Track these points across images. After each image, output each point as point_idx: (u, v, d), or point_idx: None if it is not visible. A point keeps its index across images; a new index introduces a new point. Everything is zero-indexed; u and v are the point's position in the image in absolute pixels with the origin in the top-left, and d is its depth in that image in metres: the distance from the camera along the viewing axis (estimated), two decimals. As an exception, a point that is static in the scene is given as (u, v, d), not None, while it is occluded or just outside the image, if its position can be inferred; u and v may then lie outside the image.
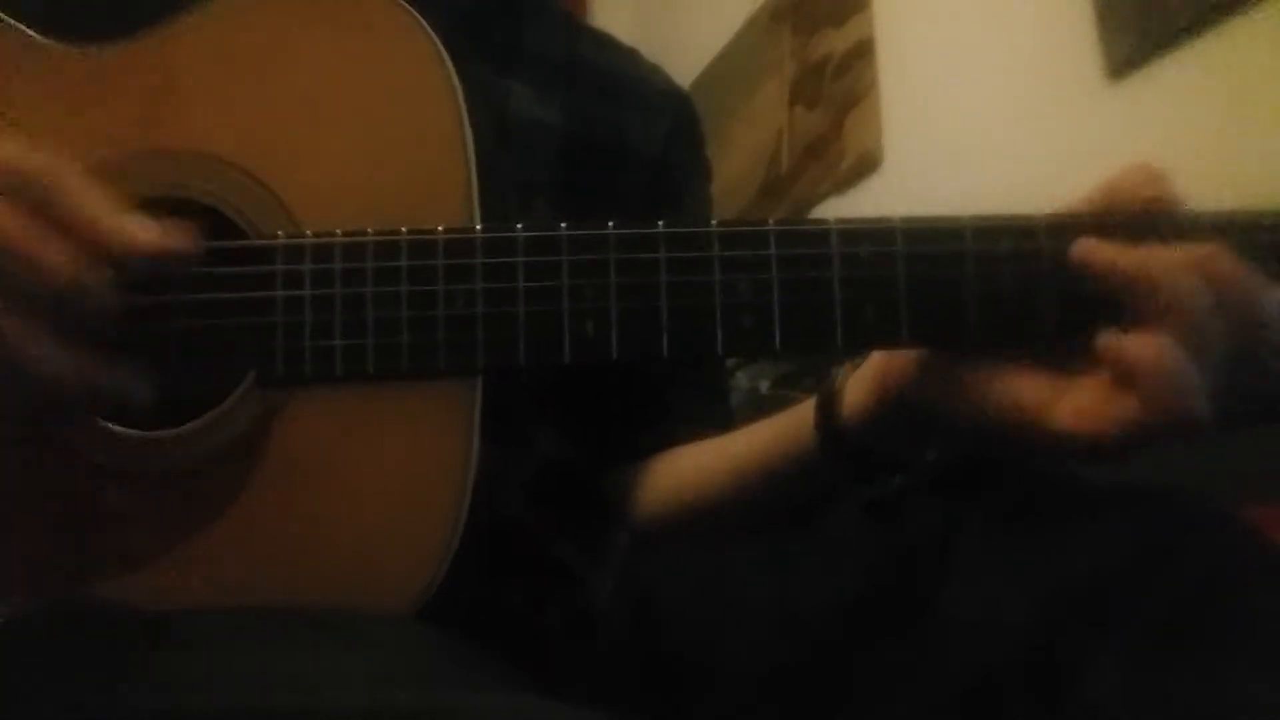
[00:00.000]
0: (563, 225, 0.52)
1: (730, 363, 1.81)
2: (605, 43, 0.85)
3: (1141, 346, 0.46)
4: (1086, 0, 1.63)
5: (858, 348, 0.53)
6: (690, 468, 0.73)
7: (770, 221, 0.52)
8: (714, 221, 0.53)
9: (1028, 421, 0.50)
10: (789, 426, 0.64)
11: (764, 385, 1.83)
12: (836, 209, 2.25)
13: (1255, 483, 0.76)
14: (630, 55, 0.86)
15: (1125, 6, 1.57)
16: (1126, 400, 0.46)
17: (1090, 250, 0.50)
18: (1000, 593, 0.51)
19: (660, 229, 0.52)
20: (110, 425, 0.52)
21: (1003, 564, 0.53)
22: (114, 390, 0.49)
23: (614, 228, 0.52)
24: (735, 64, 2.68)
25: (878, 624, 0.56)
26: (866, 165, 2.14)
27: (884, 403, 0.57)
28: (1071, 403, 0.48)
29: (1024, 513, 0.54)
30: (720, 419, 0.79)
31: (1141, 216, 0.50)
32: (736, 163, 2.59)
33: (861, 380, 0.59)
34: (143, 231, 0.48)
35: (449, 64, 0.56)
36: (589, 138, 0.76)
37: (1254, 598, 0.47)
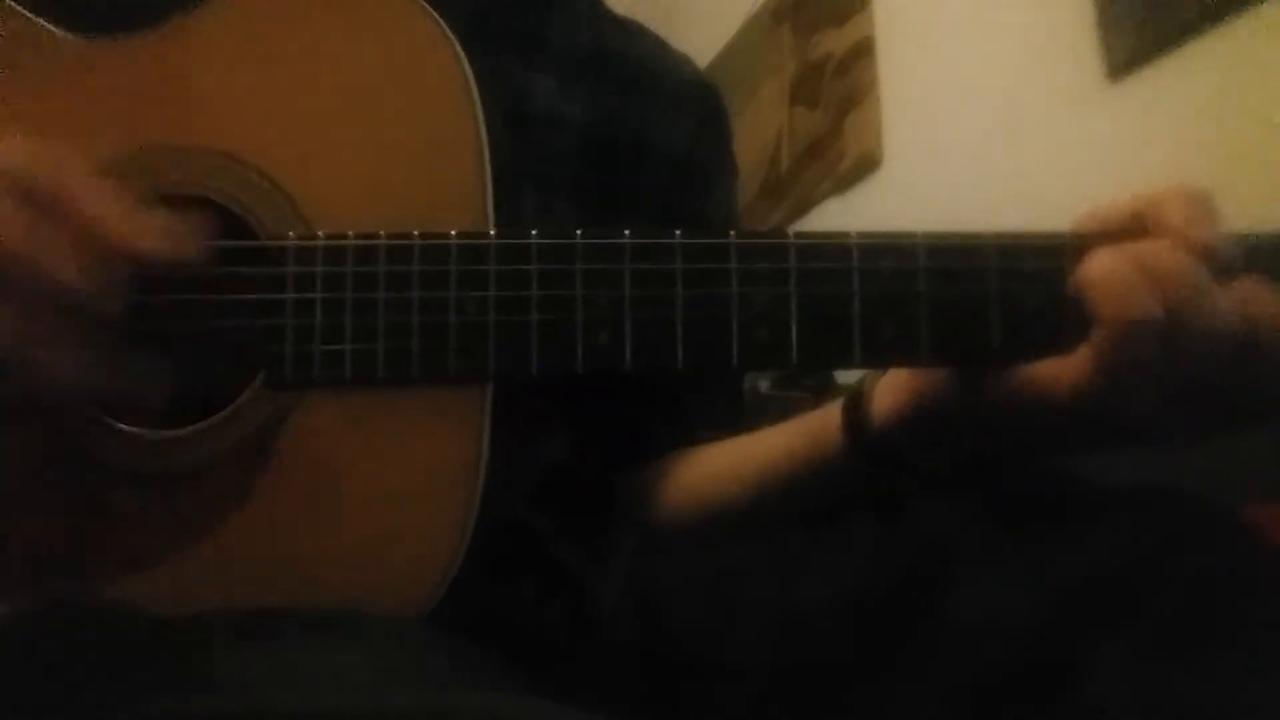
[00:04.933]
0: (578, 233, 0.52)
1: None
2: (632, 31, 0.82)
3: (1087, 262, 0.48)
4: (1086, 0, 1.63)
5: (875, 364, 0.52)
6: (710, 468, 0.72)
7: (790, 234, 0.51)
8: (732, 233, 0.52)
9: (1043, 396, 0.49)
10: (815, 428, 0.64)
11: (764, 385, 1.83)
12: (836, 209, 2.25)
13: (1255, 483, 0.76)
14: (657, 44, 0.83)
15: (1125, 6, 1.57)
16: (1098, 332, 0.47)
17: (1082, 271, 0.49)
18: (1003, 593, 0.51)
19: (677, 239, 0.51)
20: (119, 425, 0.52)
21: (1005, 565, 0.52)
22: (125, 391, 0.49)
23: (630, 236, 0.51)
24: (735, 64, 2.68)
25: (881, 624, 0.56)
26: (866, 165, 2.14)
27: (916, 405, 0.56)
28: (1069, 363, 0.49)
29: (1026, 513, 0.54)
30: (735, 420, 0.78)
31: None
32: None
33: (892, 383, 0.58)
34: (150, 237, 0.48)
35: (465, 63, 0.55)
36: (611, 134, 0.74)
37: (1255, 598, 0.47)
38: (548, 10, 0.76)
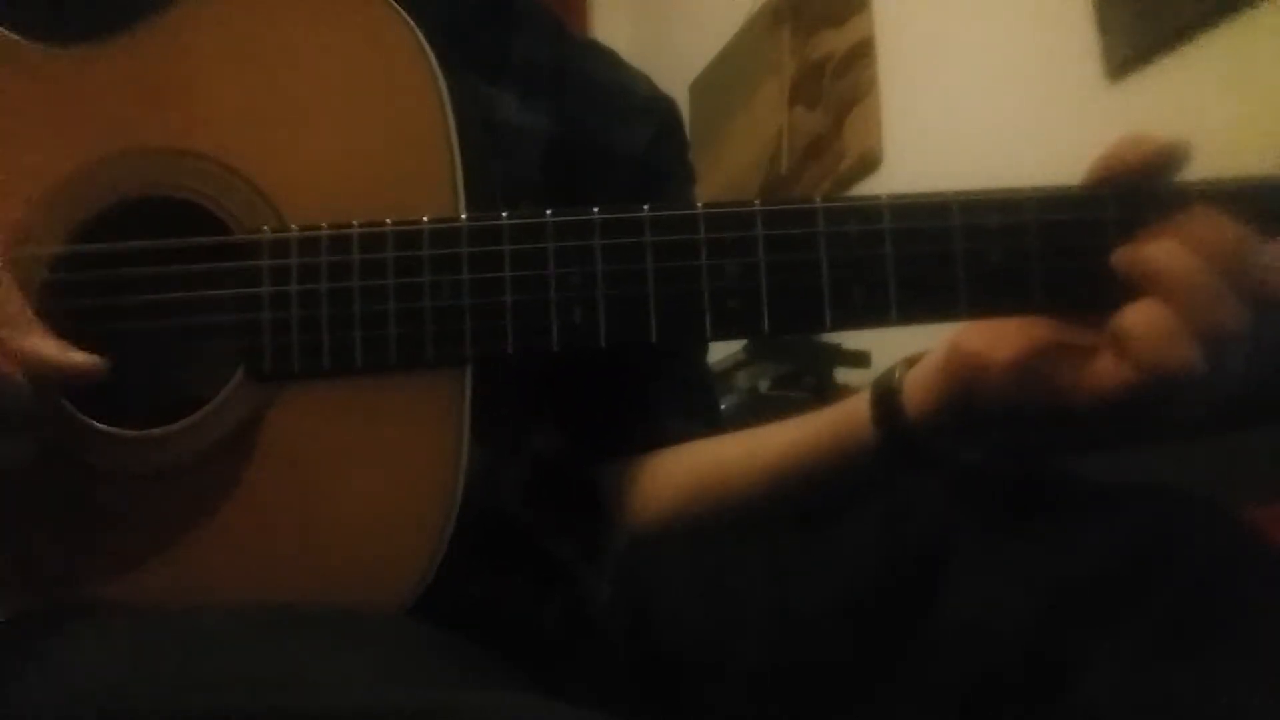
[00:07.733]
0: (548, 212, 0.52)
1: (730, 363, 1.81)
2: (592, 51, 0.86)
3: (1127, 312, 0.49)
4: (1086, 0, 1.63)
5: (846, 327, 0.53)
6: (710, 463, 0.72)
7: (756, 202, 0.52)
8: (699, 204, 0.53)
9: (1064, 401, 0.51)
10: (840, 422, 0.64)
11: (764, 385, 1.83)
12: (836, 209, 2.25)
13: (1255, 483, 0.75)
14: (616, 63, 0.86)
15: (1125, 6, 1.57)
16: (1123, 365, 0.48)
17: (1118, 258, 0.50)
18: (1000, 593, 0.51)
19: (645, 212, 0.52)
20: (101, 426, 0.52)
21: (1003, 564, 0.52)
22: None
23: (599, 213, 0.52)
24: (735, 64, 2.68)
25: (878, 624, 0.56)
26: (866, 165, 2.14)
27: (951, 401, 0.57)
28: (1087, 375, 0.50)
29: (1024, 513, 0.54)
30: (708, 416, 0.79)
31: (1131, 187, 0.50)
32: (736, 163, 2.59)
33: (925, 378, 0.59)
34: (44, 345, 0.49)
35: (432, 58, 0.55)
36: (575, 142, 0.76)
37: (1253, 598, 0.47)
38: (510, 30, 0.78)
